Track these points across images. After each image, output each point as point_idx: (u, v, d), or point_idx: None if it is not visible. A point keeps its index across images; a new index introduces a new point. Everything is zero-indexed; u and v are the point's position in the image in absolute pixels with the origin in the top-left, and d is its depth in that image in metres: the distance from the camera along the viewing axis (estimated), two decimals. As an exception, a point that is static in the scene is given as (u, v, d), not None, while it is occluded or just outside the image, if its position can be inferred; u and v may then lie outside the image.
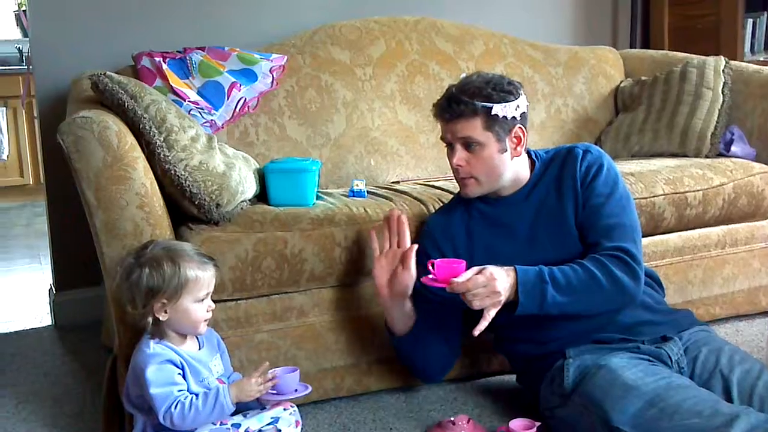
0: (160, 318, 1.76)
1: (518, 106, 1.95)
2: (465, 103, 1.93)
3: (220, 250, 1.96)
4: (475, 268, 1.86)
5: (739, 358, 1.89)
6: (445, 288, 1.85)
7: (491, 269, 1.85)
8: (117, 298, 1.92)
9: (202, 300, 1.79)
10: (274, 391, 1.87)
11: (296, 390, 1.90)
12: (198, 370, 1.80)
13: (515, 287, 1.86)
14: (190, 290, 1.76)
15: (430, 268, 1.89)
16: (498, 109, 1.92)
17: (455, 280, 1.83)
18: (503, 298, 1.85)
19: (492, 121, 1.92)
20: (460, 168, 1.98)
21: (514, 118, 1.94)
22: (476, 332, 1.87)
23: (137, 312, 1.76)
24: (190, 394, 1.75)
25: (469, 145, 1.95)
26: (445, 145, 2.01)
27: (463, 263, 1.88)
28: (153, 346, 1.76)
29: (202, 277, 1.78)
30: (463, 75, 2.03)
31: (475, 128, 1.93)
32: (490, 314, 1.85)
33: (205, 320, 1.81)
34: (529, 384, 2.07)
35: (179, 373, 1.76)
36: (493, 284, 1.83)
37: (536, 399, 2.01)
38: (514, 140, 1.97)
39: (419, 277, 2.02)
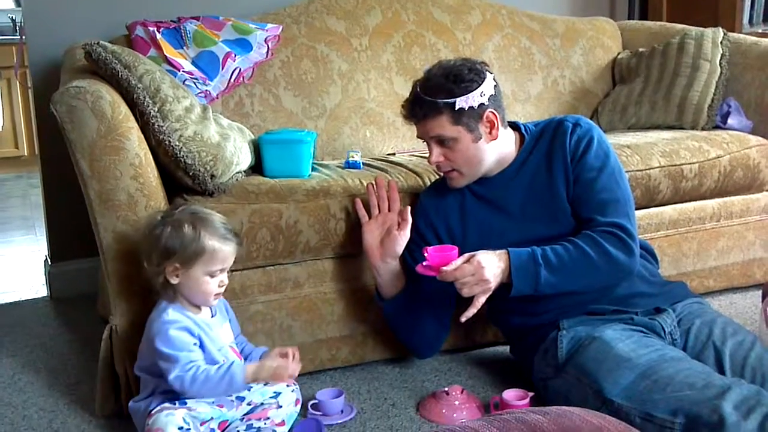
0: (171, 281, 1.77)
1: (483, 92, 1.91)
2: (427, 104, 1.91)
3: (214, 221, 1.95)
4: (465, 256, 1.86)
5: (731, 330, 1.90)
6: (436, 277, 1.86)
7: (480, 257, 1.85)
8: (114, 270, 1.93)
9: (215, 275, 1.79)
10: (320, 412, 1.93)
11: (342, 411, 1.96)
12: (215, 338, 1.82)
13: (508, 271, 1.86)
14: (204, 261, 1.76)
15: (425, 254, 1.89)
16: (461, 103, 1.89)
17: (444, 269, 1.84)
18: (493, 285, 1.86)
19: (459, 115, 1.90)
20: (440, 164, 1.98)
21: (481, 104, 1.91)
22: (463, 319, 1.89)
23: (151, 269, 1.78)
24: (209, 365, 1.77)
25: (442, 141, 1.94)
26: (423, 141, 2.01)
27: (456, 250, 1.88)
28: (171, 313, 1.78)
29: (220, 250, 1.77)
30: (426, 67, 2.00)
31: (443, 126, 1.92)
32: (480, 301, 1.87)
33: (216, 294, 1.81)
34: (522, 355, 2.08)
35: (195, 343, 1.77)
36: (481, 272, 1.83)
37: (530, 370, 2.02)
38: (487, 125, 1.94)
39: (411, 254, 2.04)
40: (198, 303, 1.82)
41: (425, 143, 2.00)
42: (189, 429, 1.71)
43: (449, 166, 1.98)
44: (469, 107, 1.90)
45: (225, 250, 1.79)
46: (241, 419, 1.83)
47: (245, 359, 1.92)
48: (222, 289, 1.82)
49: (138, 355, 1.85)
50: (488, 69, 1.97)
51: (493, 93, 1.94)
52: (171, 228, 1.76)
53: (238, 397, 1.85)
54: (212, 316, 1.86)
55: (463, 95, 1.89)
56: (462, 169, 1.98)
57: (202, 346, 1.79)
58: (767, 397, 1.57)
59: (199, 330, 1.79)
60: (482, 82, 1.92)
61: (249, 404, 1.86)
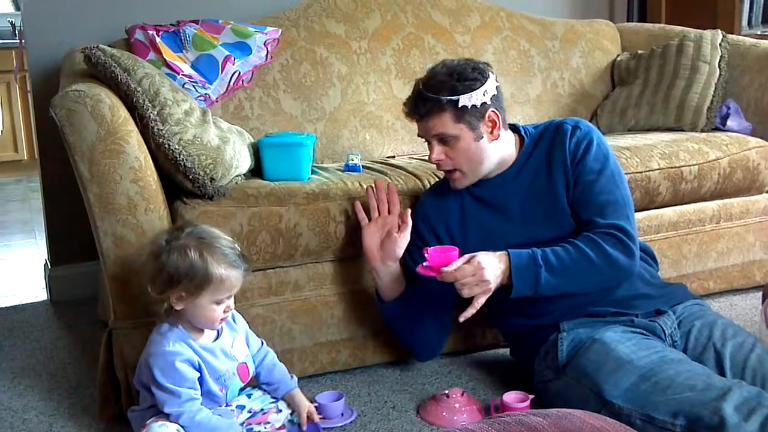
0: (176, 308, 1.71)
1: (486, 91, 1.92)
2: (431, 101, 1.91)
3: (214, 224, 1.94)
4: (465, 257, 1.86)
5: (732, 332, 1.90)
6: (437, 277, 1.86)
7: (480, 258, 1.85)
8: (113, 274, 1.93)
9: (222, 302, 1.72)
10: (320, 415, 1.91)
11: (342, 414, 1.96)
12: (215, 367, 1.75)
13: (508, 272, 1.87)
14: (211, 290, 1.69)
15: (425, 255, 1.89)
16: (464, 100, 1.90)
17: (444, 269, 1.84)
18: (493, 286, 1.86)
19: (461, 113, 1.91)
20: (441, 162, 1.98)
21: (484, 103, 1.92)
22: (462, 319, 1.89)
23: (155, 296, 1.71)
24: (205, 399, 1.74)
25: (444, 140, 1.94)
26: (424, 140, 2.01)
27: (456, 251, 1.88)
28: (173, 344, 1.70)
29: (228, 278, 1.70)
30: (429, 66, 2.01)
31: (445, 123, 1.92)
32: (479, 302, 1.87)
33: (221, 320, 1.75)
34: (523, 357, 2.08)
35: (198, 377, 1.72)
36: (481, 273, 1.83)
37: (530, 372, 2.02)
38: (489, 125, 1.95)
39: (411, 256, 2.04)
40: (201, 327, 1.77)
41: (426, 142, 2.00)
42: None
43: (450, 165, 1.98)
44: (472, 105, 1.90)
45: (233, 277, 1.70)
46: (242, 424, 1.82)
47: (265, 385, 1.90)
48: (228, 314, 1.76)
49: (137, 369, 1.80)
50: (491, 69, 1.98)
51: (496, 93, 1.95)
52: (177, 254, 1.68)
53: (238, 406, 1.84)
54: (216, 338, 1.80)
55: (467, 93, 1.90)
56: (463, 168, 1.98)
57: (201, 375, 1.73)
58: (768, 398, 1.57)
59: (198, 359, 1.73)
60: (485, 81, 1.93)
61: (249, 411, 1.85)
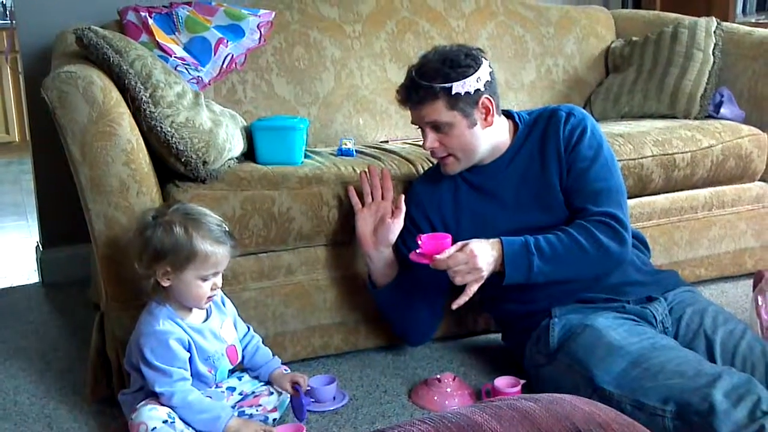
0: (162, 284, 1.72)
1: (479, 77, 1.91)
2: (424, 88, 1.90)
3: (206, 207, 1.93)
4: (458, 245, 1.86)
5: (722, 318, 1.91)
6: (429, 265, 1.86)
7: (473, 245, 1.85)
8: (105, 256, 1.92)
9: (208, 278, 1.73)
10: (312, 399, 1.91)
11: (334, 398, 1.96)
12: (203, 347, 1.76)
13: (501, 259, 1.87)
14: (196, 265, 1.70)
15: (419, 242, 1.89)
16: (458, 88, 1.89)
17: (437, 257, 1.84)
18: (485, 274, 1.86)
19: (455, 100, 1.90)
20: (434, 150, 1.98)
21: (477, 90, 1.91)
22: (454, 306, 1.90)
23: (141, 271, 1.72)
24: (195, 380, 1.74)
25: (437, 127, 1.94)
26: (417, 127, 2.00)
27: (449, 238, 1.88)
28: (162, 323, 1.71)
29: (213, 254, 1.71)
30: (421, 53, 2.00)
31: (439, 111, 1.91)
32: (472, 289, 1.87)
33: (208, 298, 1.75)
34: (514, 343, 2.09)
35: (188, 357, 1.73)
36: (473, 261, 1.83)
37: (521, 358, 2.02)
38: (483, 111, 1.94)
39: (404, 242, 2.04)
40: (189, 306, 1.77)
41: (419, 129, 2.00)
42: (174, 422, 1.68)
43: (444, 152, 1.98)
44: (465, 92, 1.89)
45: (218, 253, 1.72)
46: (233, 407, 1.82)
47: (249, 370, 1.90)
48: (215, 293, 1.77)
49: (127, 350, 1.81)
50: (484, 55, 1.97)
51: (489, 79, 1.94)
52: (162, 230, 1.69)
53: (228, 388, 1.85)
54: (205, 319, 1.81)
55: (460, 80, 1.89)
56: (457, 154, 1.98)
57: (191, 356, 1.74)
58: (757, 385, 1.58)
59: (188, 338, 1.73)
60: (478, 67, 1.92)
61: (240, 394, 1.86)
